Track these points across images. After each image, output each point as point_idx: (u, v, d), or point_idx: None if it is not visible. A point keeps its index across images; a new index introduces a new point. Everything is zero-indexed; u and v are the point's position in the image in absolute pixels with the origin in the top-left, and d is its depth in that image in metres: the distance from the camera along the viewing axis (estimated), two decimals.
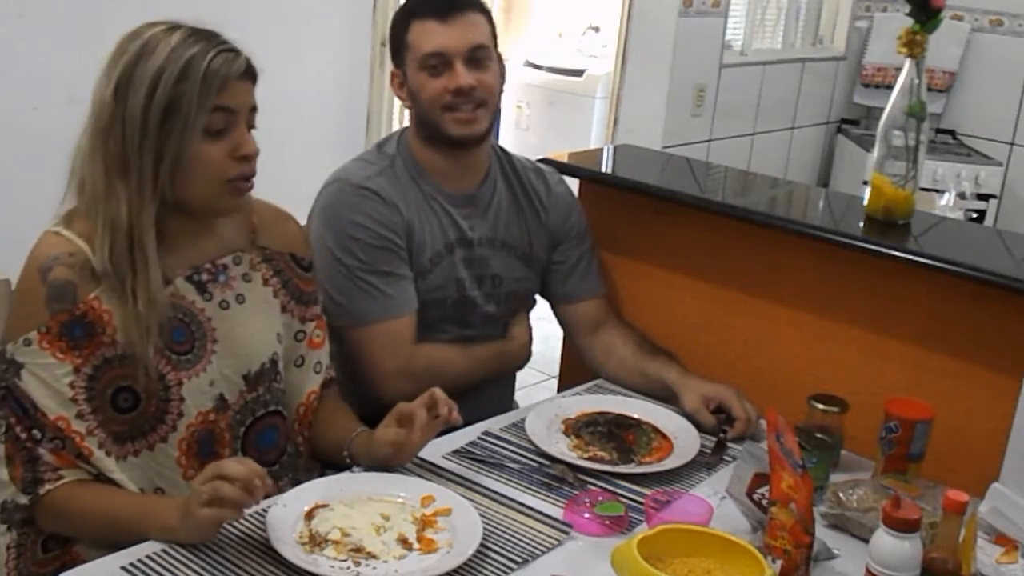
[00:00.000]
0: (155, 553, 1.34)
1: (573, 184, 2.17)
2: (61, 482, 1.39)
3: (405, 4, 1.91)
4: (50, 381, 1.39)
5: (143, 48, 1.40)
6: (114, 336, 1.41)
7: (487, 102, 1.85)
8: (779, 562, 1.31)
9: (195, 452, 1.49)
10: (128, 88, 1.39)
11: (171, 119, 1.38)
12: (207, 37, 1.42)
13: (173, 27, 1.42)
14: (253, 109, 1.46)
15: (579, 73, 5.22)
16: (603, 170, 2.30)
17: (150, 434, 1.46)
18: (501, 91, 1.91)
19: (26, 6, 2.66)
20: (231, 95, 1.41)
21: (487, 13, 1.88)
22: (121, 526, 1.38)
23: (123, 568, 1.32)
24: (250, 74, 1.45)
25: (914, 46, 1.80)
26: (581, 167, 2.29)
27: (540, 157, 2.16)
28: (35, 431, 1.39)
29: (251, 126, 1.47)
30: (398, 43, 1.87)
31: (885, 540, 1.26)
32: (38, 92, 2.71)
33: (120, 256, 1.40)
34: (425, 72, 1.82)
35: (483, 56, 1.83)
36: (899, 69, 1.85)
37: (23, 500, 1.40)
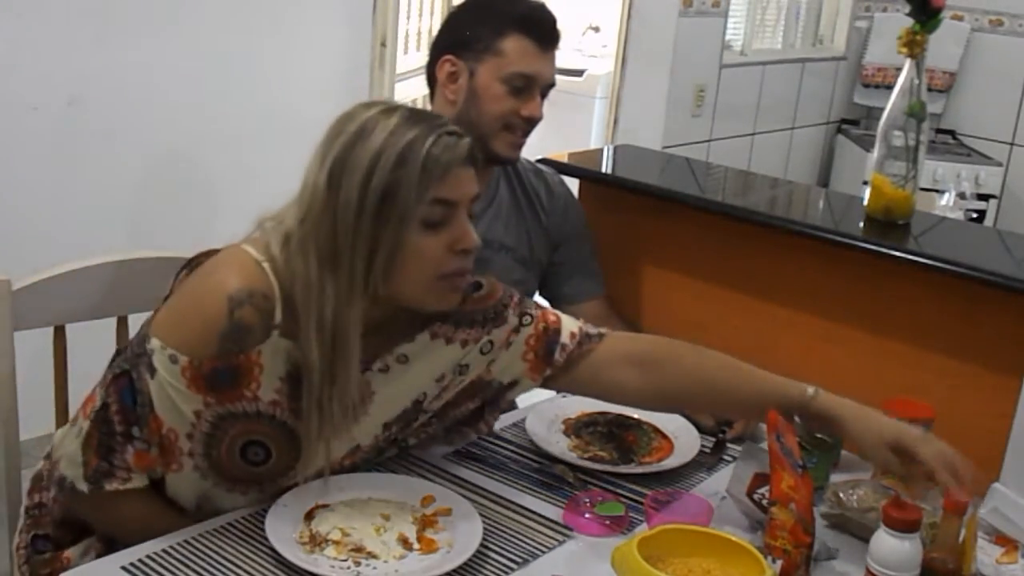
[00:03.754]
0: (155, 553, 1.34)
1: (573, 184, 2.17)
2: (127, 485, 1.35)
3: (504, 7, 1.85)
4: (177, 401, 1.33)
5: (359, 131, 1.29)
6: (256, 392, 1.34)
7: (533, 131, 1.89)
8: (779, 562, 1.31)
9: (303, 487, 1.45)
10: (343, 173, 1.27)
11: (387, 208, 1.26)
12: (427, 119, 1.32)
13: (391, 109, 1.32)
14: (475, 198, 1.36)
15: (579, 73, 5.21)
16: (603, 170, 2.30)
17: (268, 482, 1.43)
18: None
19: (26, 6, 2.66)
20: (452, 185, 1.31)
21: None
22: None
23: (123, 568, 1.31)
24: (473, 160, 1.35)
25: (914, 46, 1.80)
26: (581, 167, 2.29)
27: (540, 157, 2.16)
28: (135, 428, 1.34)
29: (471, 215, 1.36)
30: (478, 39, 1.82)
31: (885, 540, 1.26)
32: (38, 92, 2.71)
33: (326, 353, 1.30)
34: (506, 87, 1.81)
35: (548, 91, 1.87)
36: (899, 69, 1.85)
37: (83, 487, 1.36)
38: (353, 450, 1.48)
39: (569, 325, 1.57)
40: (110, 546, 1.44)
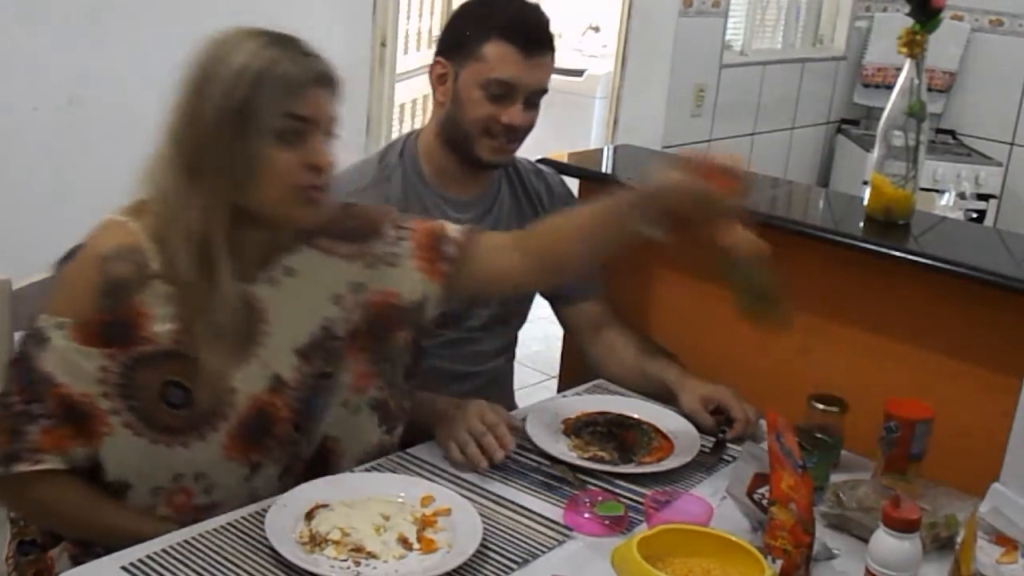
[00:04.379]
0: (155, 553, 1.34)
1: (573, 184, 2.17)
2: (39, 466, 1.36)
3: (490, 9, 1.84)
4: (79, 361, 1.36)
5: (221, 50, 1.37)
6: (152, 334, 1.38)
7: (524, 136, 1.86)
8: (779, 562, 1.31)
9: (245, 435, 1.45)
10: (204, 88, 1.35)
11: (245, 121, 1.34)
12: (287, 42, 1.40)
13: (254, 32, 1.40)
14: (332, 119, 1.41)
15: (579, 73, 5.22)
16: (603, 170, 2.30)
17: (203, 425, 1.43)
18: None
19: (26, 6, 2.66)
20: (307, 102, 1.37)
21: (554, 51, 1.86)
22: (124, 536, 1.38)
23: (123, 568, 1.32)
24: (330, 81, 1.41)
25: (914, 46, 1.80)
26: (581, 167, 2.29)
27: (540, 157, 2.16)
28: (35, 405, 1.36)
29: (330, 135, 1.42)
30: (464, 43, 1.81)
31: (885, 540, 1.26)
32: (38, 92, 2.71)
33: (194, 265, 1.37)
34: (483, 92, 1.79)
35: (538, 98, 1.84)
36: (899, 69, 1.85)
37: None
38: (276, 384, 1.47)
39: (452, 226, 1.63)
40: (84, 547, 1.45)
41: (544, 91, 1.84)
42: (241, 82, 1.34)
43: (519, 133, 1.84)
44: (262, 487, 1.49)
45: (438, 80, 1.86)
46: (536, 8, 1.86)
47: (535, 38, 1.80)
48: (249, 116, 1.34)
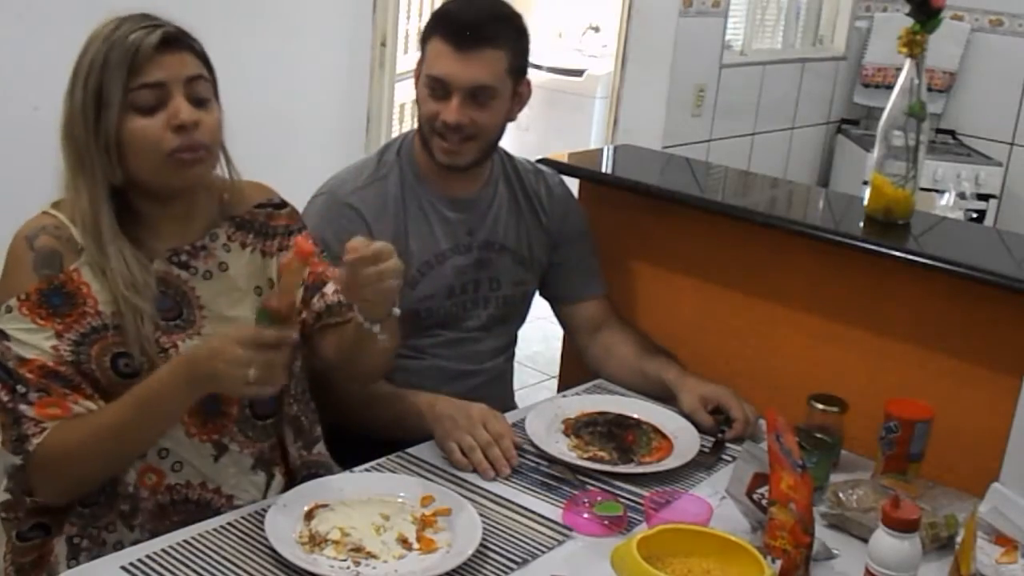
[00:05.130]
0: (155, 553, 1.34)
1: (573, 184, 2.18)
2: (44, 434, 1.38)
3: (443, 7, 1.84)
4: (33, 342, 1.39)
5: (87, 42, 1.44)
6: (96, 307, 1.41)
7: (477, 137, 1.81)
8: (779, 562, 1.31)
9: (197, 410, 1.47)
10: (73, 84, 1.43)
11: (102, 103, 1.40)
12: (134, 19, 1.43)
13: (110, 20, 1.44)
14: (193, 79, 1.44)
15: (579, 73, 5.22)
16: (603, 170, 2.30)
17: None
18: (503, 126, 1.86)
19: (26, 6, 2.66)
20: (153, 70, 1.41)
21: (512, 46, 1.79)
22: (132, 419, 1.39)
23: (123, 568, 1.32)
24: (178, 45, 1.43)
25: (914, 46, 1.80)
26: (581, 167, 2.29)
27: (540, 157, 2.16)
28: (19, 386, 1.38)
29: (197, 96, 1.44)
30: (421, 43, 1.84)
31: (884, 540, 1.27)
32: (38, 92, 2.71)
33: (93, 247, 1.42)
34: (427, 89, 1.80)
35: (484, 96, 1.77)
36: (899, 69, 1.85)
37: (17, 461, 1.40)
38: None
39: (332, 287, 1.63)
40: (81, 529, 1.45)
41: (483, 88, 1.77)
42: (92, 71, 1.40)
43: (462, 132, 1.78)
44: (237, 473, 1.50)
45: (417, 79, 1.87)
46: (480, 3, 1.81)
47: (466, 32, 1.75)
48: (102, 99, 1.40)
